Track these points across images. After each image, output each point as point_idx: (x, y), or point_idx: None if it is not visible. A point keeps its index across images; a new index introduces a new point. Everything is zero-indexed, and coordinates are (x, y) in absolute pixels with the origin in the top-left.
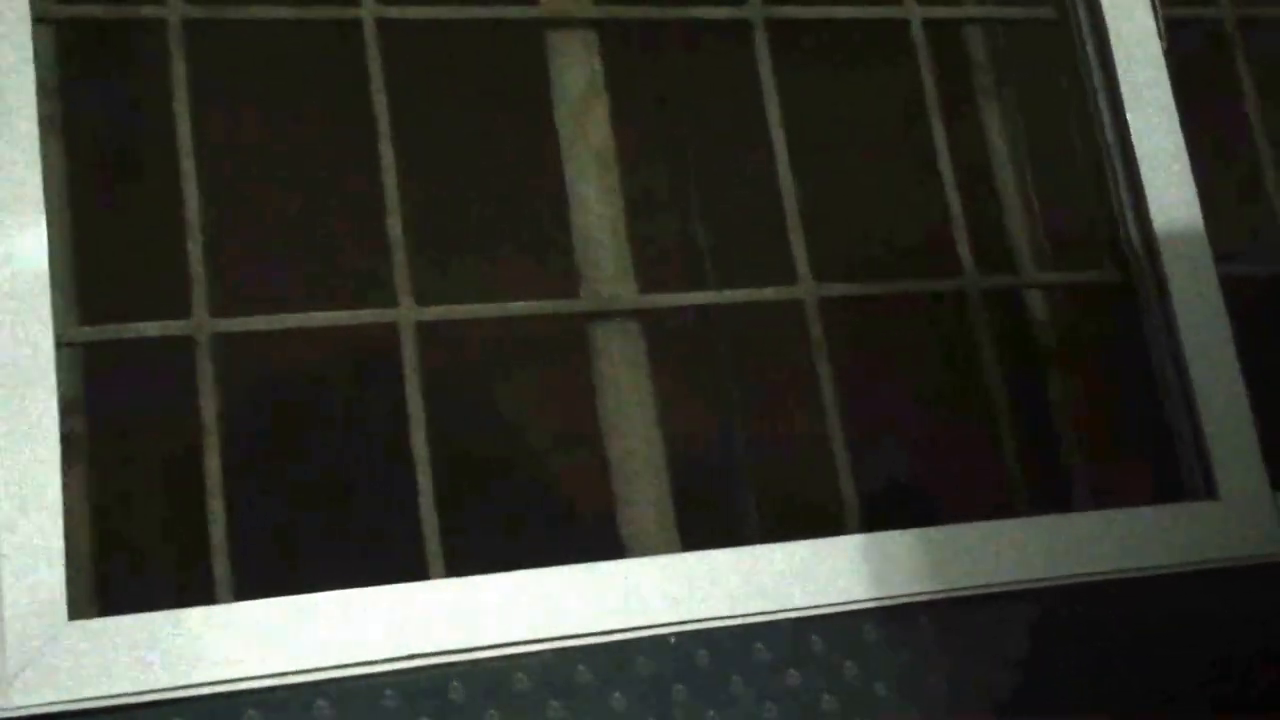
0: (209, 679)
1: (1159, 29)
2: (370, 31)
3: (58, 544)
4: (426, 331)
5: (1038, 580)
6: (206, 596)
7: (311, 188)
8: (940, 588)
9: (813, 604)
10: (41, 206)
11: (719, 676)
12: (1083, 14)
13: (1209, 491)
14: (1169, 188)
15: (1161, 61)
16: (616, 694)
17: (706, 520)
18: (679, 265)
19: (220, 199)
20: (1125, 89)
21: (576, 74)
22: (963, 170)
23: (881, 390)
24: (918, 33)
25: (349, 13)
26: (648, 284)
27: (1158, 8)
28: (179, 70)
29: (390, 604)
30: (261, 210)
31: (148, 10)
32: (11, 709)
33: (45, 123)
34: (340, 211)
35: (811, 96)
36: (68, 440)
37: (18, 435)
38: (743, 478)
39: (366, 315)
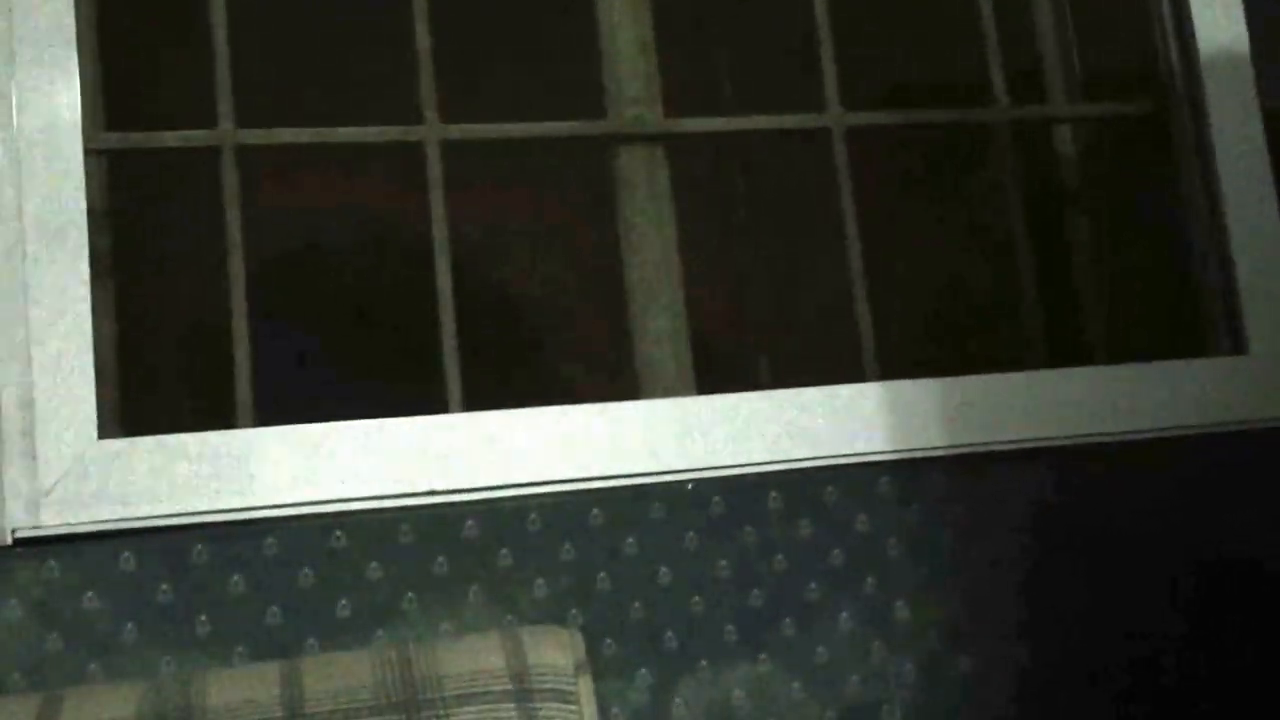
0: (231, 505)
1: None
2: None
3: (88, 363)
4: (451, 149)
5: (1056, 437)
6: (229, 419)
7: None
8: (958, 442)
9: (829, 454)
10: (72, 23)
11: (731, 524)
12: None
13: (1237, 347)
14: (1217, 9)
15: None
16: (629, 538)
17: (723, 356)
18: (706, 91)
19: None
20: None
21: None
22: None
23: (904, 227)
24: None
25: None
26: (674, 110)
27: None
28: None
29: (408, 437)
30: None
31: None
32: (42, 528)
33: None
34: (368, 25)
35: None
36: (94, 255)
37: (48, 249)
38: (761, 311)
39: (392, 131)
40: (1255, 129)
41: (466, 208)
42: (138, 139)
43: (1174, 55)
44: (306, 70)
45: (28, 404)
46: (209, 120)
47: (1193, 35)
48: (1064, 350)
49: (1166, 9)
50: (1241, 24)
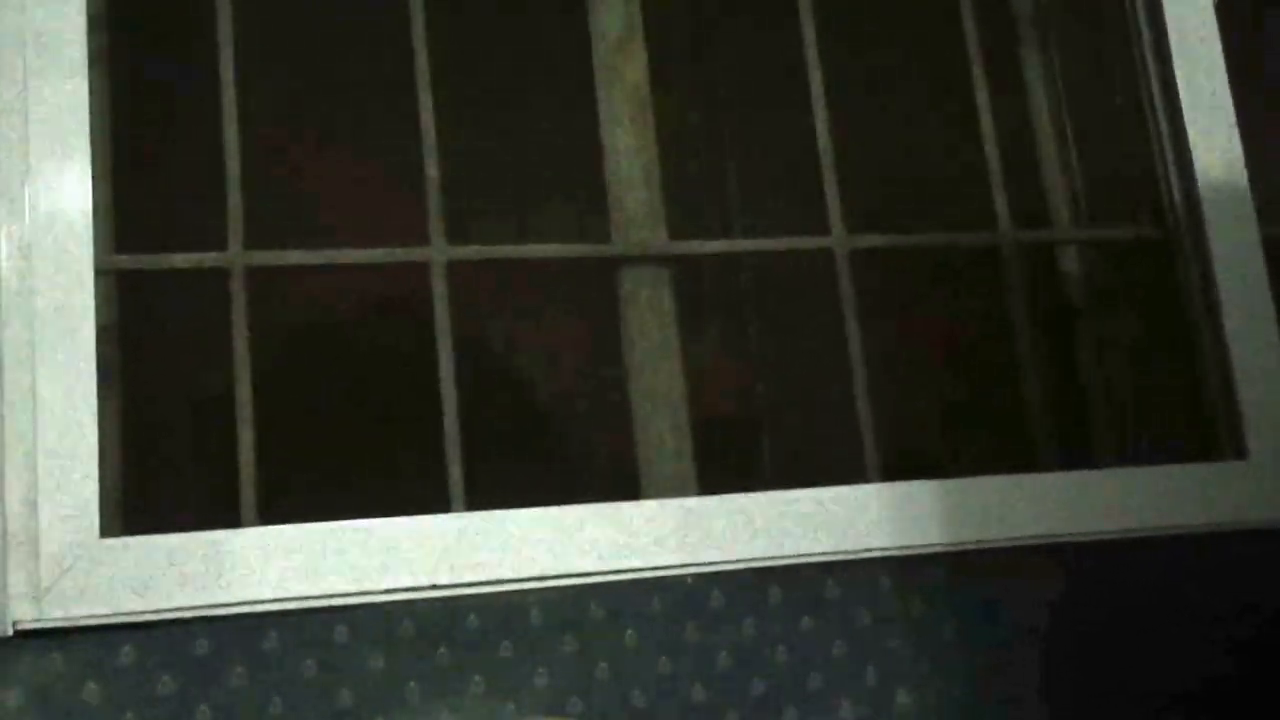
0: (233, 600)
1: None
2: None
3: (92, 464)
4: (457, 271)
5: (1059, 535)
6: (232, 519)
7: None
8: (959, 540)
9: (831, 549)
10: (87, 140)
11: (731, 618)
12: None
13: (1238, 452)
14: (1214, 142)
15: (1212, 12)
16: (630, 630)
17: (727, 468)
18: (710, 214)
19: (258, 141)
20: (1174, 41)
21: (614, 16)
22: (1002, 122)
23: (909, 343)
24: None
25: None
26: (678, 231)
27: None
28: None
29: (412, 535)
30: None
31: None
32: (45, 620)
33: (92, 55)
34: (378, 154)
35: (848, 45)
36: (103, 366)
37: (58, 360)
38: (764, 428)
39: (399, 254)
40: (1255, 252)
41: (471, 322)
42: (148, 261)
43: (1174, 181)
44: (316, 193)
45: (32, 502)
46: (219, 241)
47: (1191, 163)
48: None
49: (1166, 138)
50: (1238, 151)
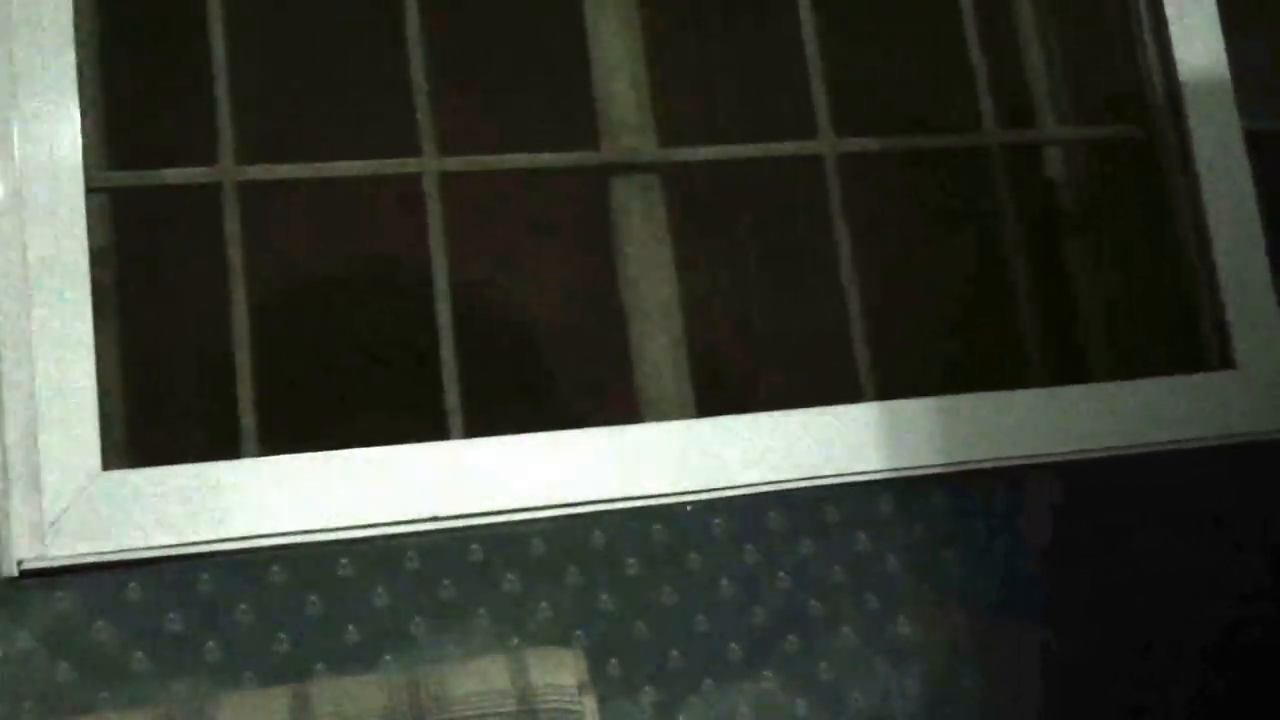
0: (236, 533)
1: None
2: None
3: (91, 395)
4: (449, 181)
5: (1052, 454)
6: (233, 450)
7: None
8: (955, 459)
9: (829, 473)
10: (72, 59)
11: (733, 545)
12: None
13: (1225, 361)
14: (1196, 37)
15: None
16: (631, 560)
17: (722, 382)
18: (699, 119)
19: (246, 49)
20: None
21: None
22: (984, 21)
23: (898, 250)
24: None
25: None
26: (667, 139)
27: None
28: None
29: (410, 465)
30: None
31: None
32: (48, 559)
33: None
34: (365, 60)
35: None
36: (98, 290)
37: (51, 284)
38: (759, 337)
39: (391, 165)
40: (1237, 149)
41: (465, 238)
42: (139, 177)
43: (1157, 80)
44: (304, 106)
45: (32, 437)
46: (209, 157)
47: (1174, 61)
48: (1062, 368)
49: (1149, 36)
50: (1221, 49)
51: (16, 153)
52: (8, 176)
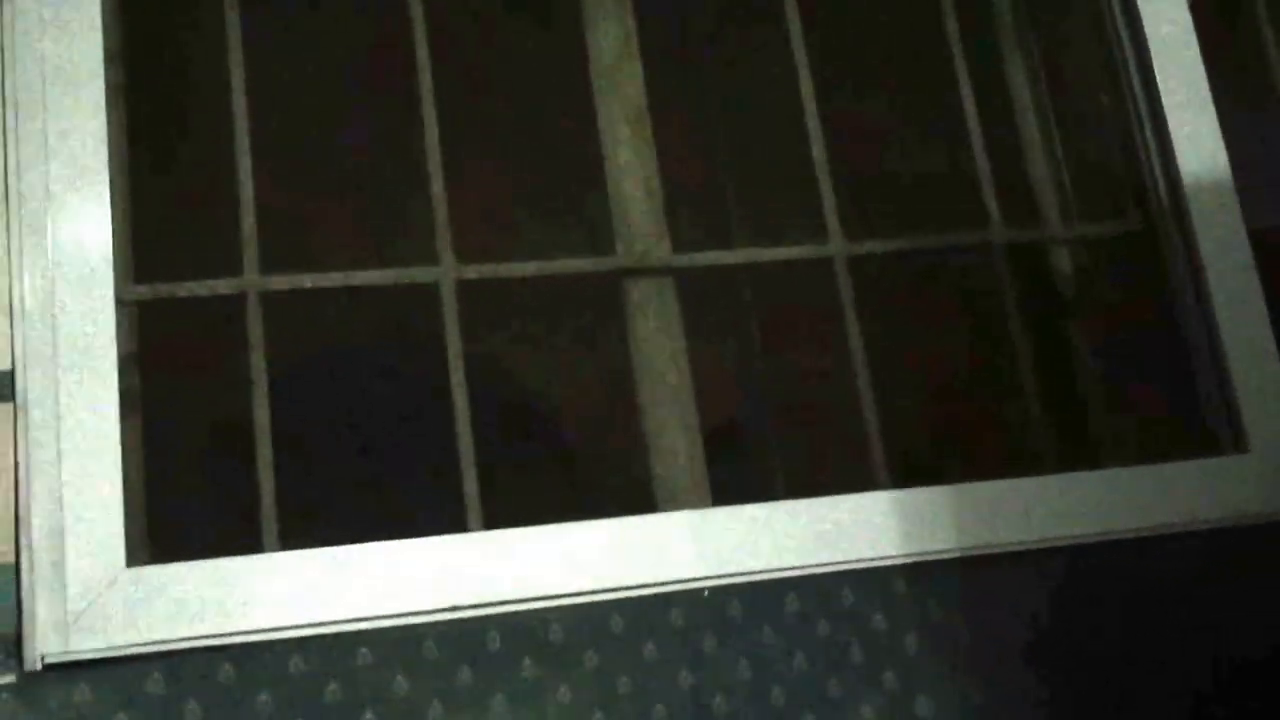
0: (256, 625)
1: None
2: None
3: (117, 495)
4: (466, 290)
5: (1066, 537)
6: (254, 544)
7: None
8: (969, 544)
9: (844, 559)
10: (106, 172)
11: (750, 628)
12: None
13: (1238, 445)
14: (1195, 134)
15: (1185, 7)
16: (649, 644)
17: (737, 474)
18: (711, 221)
19: (270, 163)
20: (1151, 36)
21: (611, 35)
22: (987, 121)
23: (909, 344)
24: None
25: None
26: (681, 243)
27: None
28: (234, 34)
29: (429, 556)
30: (309, 172)
31: None
32: (71, 653)
33: (109, 89)
34: (385, 172)
35: (840, 52)
36: (124, 394)
37: (81, 391)
38: (772, 432)
39: (409, 274)
40: (1241, 243)
41: (482, 337)
42: (169, 289)
43: (1159, 177)
44: (326, 217)
45: (58, 535)
46: (234, 267)
47: (1175, 159)
48: (1072, 455)
49: (1150, 135)
50: (1220, 147)
51: (51, 266)
52: (43, 285)
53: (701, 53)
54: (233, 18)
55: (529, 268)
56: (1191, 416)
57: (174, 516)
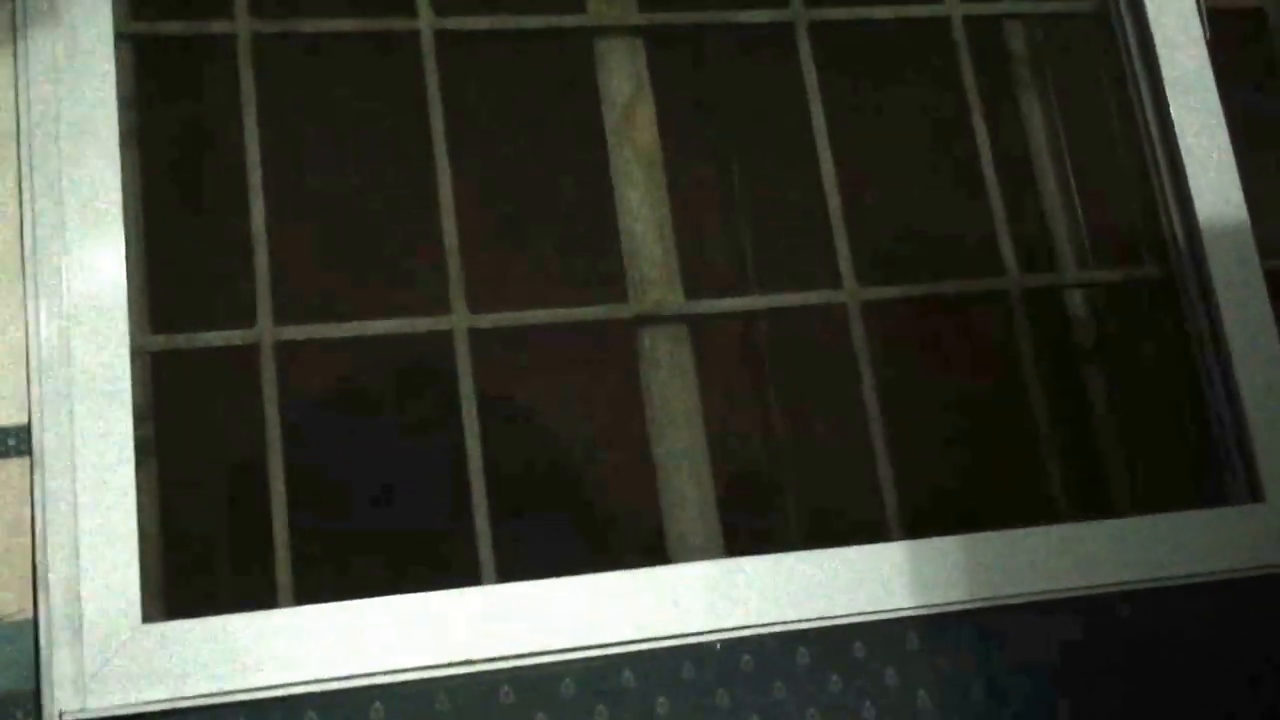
0: (271, 681)
1: (1202, 20)
2: (427, 42)
3: (133, 551)
4: (479, 337)
5: (1080, 588)
6: (268, 598)
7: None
8: (983, 595)
9: (856, 611)
10: (120, 221)
11: (762, 682)
12: (1124, 6)
13: (1255, 494)
14: (1213, 181)
15: (1205, 53)
16: (661, 698)
17: (750, 522)
18: (724, 268)
19: (283, 213)
20: (1168, 81)
21: (623, 79)
22: (1003, 167)
23: (922, 392)
24: (958, 30)
25: (407, 24)
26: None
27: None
28: (247, 84)
29: (442, 610)
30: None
31: (218, 26)
32: (89, 710)
33: (122, 137)
34: (397, 222)
35: (853, 98)
36: (139, 444)
37: (98, 443)
38: (786, 480)
39: (422, 323)
40: (1259, 290)
41: (495, 387)
42: (180, 340)
43: (1175, 220)
44: (340, 267)
45: (75, 592)
46: (247, 317)
47: (1192, 204)
48: (1085, 503)
49: (1166, 178)
50: (1239, 192)
51: (66, 317)
52: (58, 336)
53: (715, 97)
54: (246, 66)
55: (541, 315)
56: (1207, 464)
57: (189, 568)
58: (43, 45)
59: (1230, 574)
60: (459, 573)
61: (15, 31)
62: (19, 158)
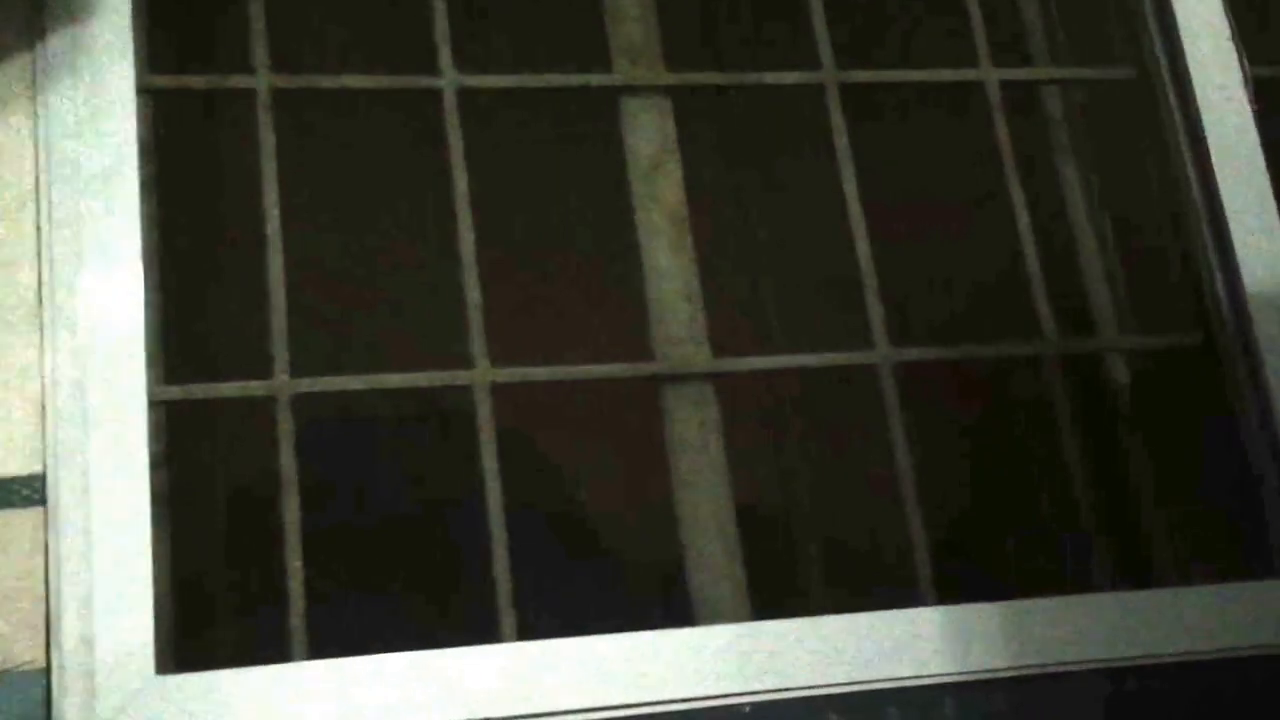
0: None
1: (1248, 85)
2: (450, 100)
3: (147, 603)
4: (501, 392)
5: (1120, 659)
6: (282, 650)
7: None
8: (1018, 663)
9: (889, 676)
10: (140, 275)
11: None
12: (1167, 75)
13: None
14: (1259, 248)
15: (1251, 122)
16: None
17: (777, 585)
18: (751, 327)
19: (301, 263)
20: (1214, 149)
21: (650, 138)
22: (1041, 230)
23: (956, 456)
24: (994, 94)
25: (430, 82)
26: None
27: (1247, 68)
28: (267, 139)
29: (458, 667)
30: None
31: (238, 80)
32: None
33: (141, 186)
34: (418, 275)
35: (886, 157)
36: (154, 495)
37: (113, 494)
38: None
39: (443, 377)
40: None
41: (516, 444)
42: (197, 390)
43: (1219, 286)
44: (359, 319)
45: (88, 643)
46: (264, 369)
47: (1237, 269)
48: (1125, 572)
49: (1210, 244)
50: None
51: (82, 367)
52: (74, 386)
53: (743, 153)
54: (265, 116)
55: (563, 372)
56: (1253, 535)
57: (203, 619)
58: (64, 99)
59: (1270, 649)
60: (477, 628)
61: (35, 85)
62: (39, 209)
